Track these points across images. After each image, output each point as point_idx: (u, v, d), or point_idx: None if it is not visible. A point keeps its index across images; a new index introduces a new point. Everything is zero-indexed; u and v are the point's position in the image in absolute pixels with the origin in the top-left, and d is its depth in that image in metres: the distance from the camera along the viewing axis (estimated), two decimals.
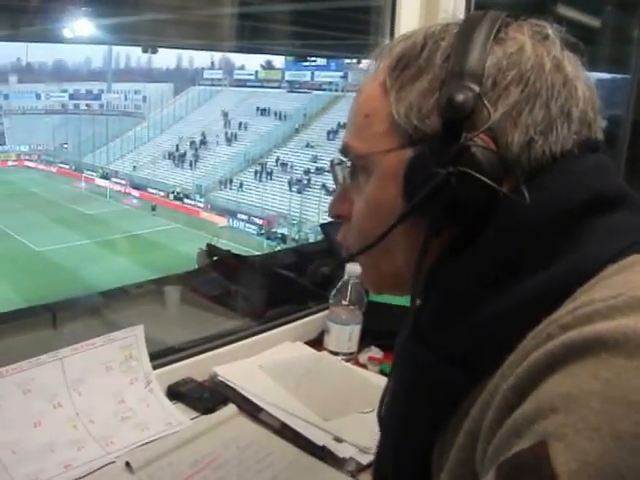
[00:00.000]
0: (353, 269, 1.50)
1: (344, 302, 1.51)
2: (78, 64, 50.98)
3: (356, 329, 1.52)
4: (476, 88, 0.59)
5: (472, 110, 0.59)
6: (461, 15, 1.77)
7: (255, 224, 27.42)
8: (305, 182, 29.78)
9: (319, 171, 29.09)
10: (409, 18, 1.76)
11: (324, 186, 27.82)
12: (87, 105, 42.13)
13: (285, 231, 25.25)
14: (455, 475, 0.58)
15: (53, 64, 47.78)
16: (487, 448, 0.51)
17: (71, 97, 42.74)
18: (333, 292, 1.53)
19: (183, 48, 37.43)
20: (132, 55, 47.91)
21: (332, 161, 0.74)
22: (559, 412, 0.45)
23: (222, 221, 28.22)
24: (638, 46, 2.76)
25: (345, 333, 1.50)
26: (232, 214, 28.39)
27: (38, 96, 42.04)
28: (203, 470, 1.09)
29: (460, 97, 0.59)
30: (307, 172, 30.31)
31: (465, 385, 0.61)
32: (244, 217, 28.03)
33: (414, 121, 0.62)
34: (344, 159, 0.72)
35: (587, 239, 0.58)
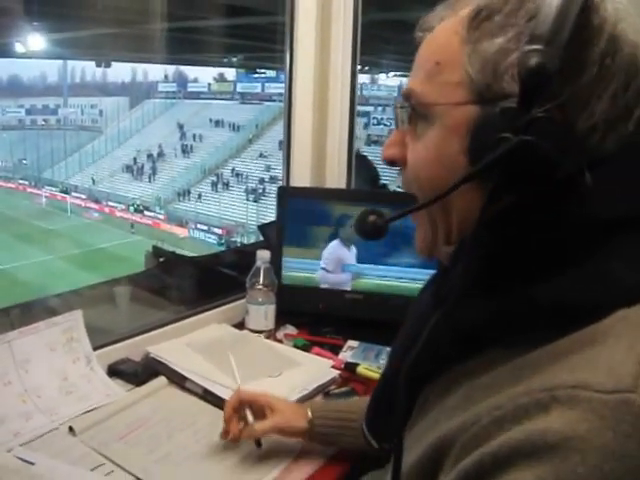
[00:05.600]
0: (263, 255, 1.67)
1: (258, 285, 1.66)
2: (34, 79, 50.09)
3: (270, 308, 1.67)
4: (558, 57, 0.54)
5: (551, 80, 0.54)
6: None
7: (215, 234, 27.32)
8: (260, 191, 29.83)
9: (273, 180, 28.96)
10: (306, 31, 1.95)
11: None
12: (44, 120, 41.36)
13: (245, 240, 25.20)
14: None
15: (8, 79, 46.79)
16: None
17: (28, 112, 41.86)
18: (249, 277, 1.67)
19: (135, 62, 37.14)
20: (87, 69, 47.25)
21: (395, 104, 0.69)
22: None
23: (183, 232, 28.05)
24: None
25: (261, 313, 1.66)
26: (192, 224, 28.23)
27: None
28: (136, 430, 1.25)
29: (544, 64, 0.53)
30: (262, 181, 30.33)
31: (450, 361, 0.62)
32: (204, 227, 27.94)
33: (488, 78, 0.59)
34: (405, 103, 0.67)
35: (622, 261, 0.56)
